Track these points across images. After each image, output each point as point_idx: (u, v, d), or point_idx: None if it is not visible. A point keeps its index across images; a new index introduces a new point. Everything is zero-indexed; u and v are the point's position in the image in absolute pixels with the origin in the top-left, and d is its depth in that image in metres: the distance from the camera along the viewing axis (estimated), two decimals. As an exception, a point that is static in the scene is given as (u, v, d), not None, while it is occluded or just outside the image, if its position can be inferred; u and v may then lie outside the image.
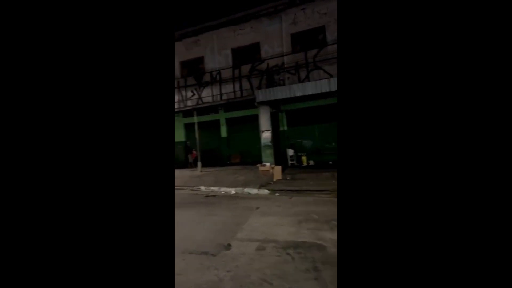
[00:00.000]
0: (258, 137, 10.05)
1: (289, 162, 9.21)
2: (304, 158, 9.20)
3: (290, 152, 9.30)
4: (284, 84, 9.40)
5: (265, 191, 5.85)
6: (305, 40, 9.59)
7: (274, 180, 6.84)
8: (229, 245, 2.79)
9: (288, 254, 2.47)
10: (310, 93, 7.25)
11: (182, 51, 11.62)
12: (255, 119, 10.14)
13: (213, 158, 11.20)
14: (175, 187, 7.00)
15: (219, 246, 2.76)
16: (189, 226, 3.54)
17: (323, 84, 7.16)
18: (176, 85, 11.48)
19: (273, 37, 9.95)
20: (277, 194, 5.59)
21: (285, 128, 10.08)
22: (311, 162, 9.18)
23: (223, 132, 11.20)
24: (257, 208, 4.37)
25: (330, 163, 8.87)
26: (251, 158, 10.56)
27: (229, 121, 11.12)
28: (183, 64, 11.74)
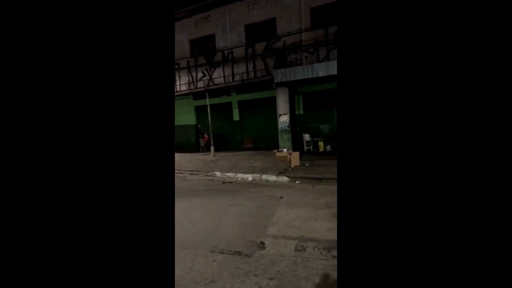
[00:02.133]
0: (272, 121, 9.60)
1: (305, 147, 8.81)
2: (321, 143, 8.76)
3: (307, 137, 8.87)
4: (301, 64, 8.75)
5: (284, 179, 5.53)
6: (326, 15, 8.76)
7: (292, 166, 6.50)
8: (263, 243, 2.48)
9: (334, 257, 2.15)
10: (334, 73, 6.64)
11: (192, 29, 10.92)
12: (269, 102, 9.63)
13: (225, 142, 10.89)
14: (190, 172, 6.77)
15: (251, 245, 2.46)
16: (213, 218, 3.25)
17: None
18: (185, 65, 10.92)
19: (290, 12, 9.14)
20: (297, 182, 5.26)
21: (301, 111, 9.57)
22: (328, 148, 8.75)
23: (236, 116, 10.77)
24: (282, 197, 4.06)
25: (349, 149, 8.43)
26: (265, 142, 10.19)
27: (241, 104, 10.64)
28: (193, 42, 11.09)
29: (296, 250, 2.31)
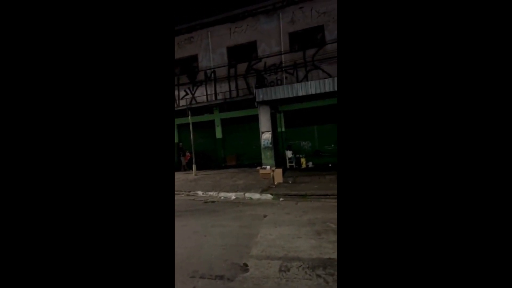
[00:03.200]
0: (254, 139, 9.68)
1: (288, 164, 8.90)
2: (303, 160, 8.92)
3: (289, 154, 9.00)
4: (282, 84, 9.10)
5: (268, 196, 5.48)
6: (304, 40, 9.35)
7: (275, 183, 6.49)
8: (246, 265, 2.39)
9: (319, 276, 2.11)
10: (312, 92, 6.96)
11: (175, 49, 11.07)
12: (251, 119, 9.77)
13: (207, 161, 10.72)
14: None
15: (234, 267, 2.36)
16: (194, 240, 3.10)
17: (326, 84, 6.90)
18: (167, 84, 10.88)
19: (270, 36, 9.64)
20: (281, 199, 5.24)
21: (283, 129, 9.78)
22: (310, 164, 8.91)
23: (218, 133, 10.74)
24: (265, 216, 3.99)
25: (330, 165, 8.64)
26: (248, 160, 10.17)
27: (224, 122, 10.68)
28: (175, 62, 11.19)
29: (280, 270, 2.24)
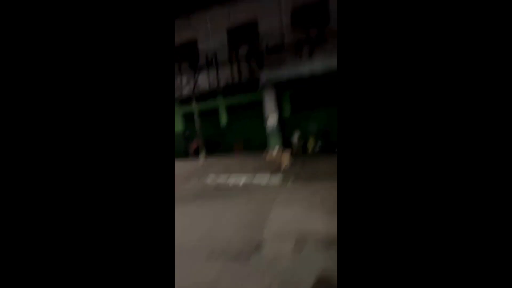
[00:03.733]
0: (261, 123, 9.60)
1: (295, 147, 8.87)
2: (310, 143, 8.86)
3: (296, 137, 8.93)
4: (285, 65, 8.85)
5: (277, 180, 5.52)
6: (307, 17, 8.94)
7: (284, 166, 6.52)
8: (260, 245, 2.44)
9: (332, 254, 2.14)
10: (318, 71, 6.76)
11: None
12: (256, 104, 9.63)
13: (214, 147, 10.76)
14: (181, 180, 6.62)
15: (249, 247, 2.41)
16: (208, 223, 3.18)
17: (332, 62, 6.67)
18: (169, 72, 10.74)
19: (272, 14, 9.25)
20: (290, 182, 5.27)
21: (289, 112, 9.64)
22: (317, 148, 8.86)
23: (224, 120, 10.69)
24: (275, 198, 4.03)
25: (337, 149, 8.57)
26: (255, 145, 10.16)
27: (229, 108, 10.59)
28: (175, 48, 10.96)
29: (294, 249, 2.28)
